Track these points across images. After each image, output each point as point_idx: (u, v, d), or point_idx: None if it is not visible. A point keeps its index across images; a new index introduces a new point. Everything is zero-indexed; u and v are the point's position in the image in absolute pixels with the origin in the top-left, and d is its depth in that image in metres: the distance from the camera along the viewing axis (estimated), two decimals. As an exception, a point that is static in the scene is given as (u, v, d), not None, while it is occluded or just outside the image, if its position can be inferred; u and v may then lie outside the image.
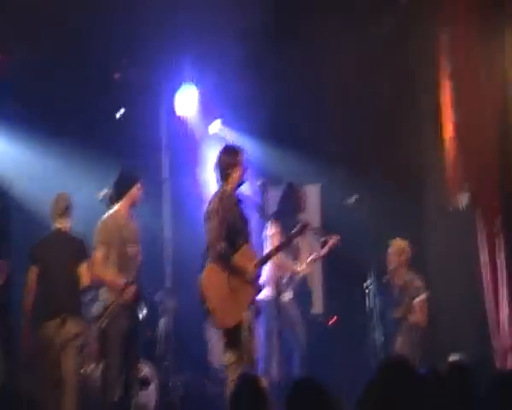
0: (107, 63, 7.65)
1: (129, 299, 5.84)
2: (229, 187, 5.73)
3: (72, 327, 6.20)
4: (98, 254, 5.91)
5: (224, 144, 6.00)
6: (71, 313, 6.21)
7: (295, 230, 6.04)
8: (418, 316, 6.80)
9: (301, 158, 8.25)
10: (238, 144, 5.98)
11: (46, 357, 6.23)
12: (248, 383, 3.31)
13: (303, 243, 7.10)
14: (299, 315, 7.00)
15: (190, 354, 7.98)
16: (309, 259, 7.20)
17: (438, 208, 7.44)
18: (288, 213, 6.82)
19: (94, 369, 6.67)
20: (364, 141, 7.89)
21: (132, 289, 5.83)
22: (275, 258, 6.18)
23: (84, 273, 6.26)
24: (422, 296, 6.84)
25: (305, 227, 6.05)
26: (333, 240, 7.17)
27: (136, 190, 6.03)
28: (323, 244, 7.38)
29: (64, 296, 6.21)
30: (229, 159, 5.72)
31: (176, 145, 8.46)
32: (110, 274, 5.91)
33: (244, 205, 5.82)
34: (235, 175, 5.71)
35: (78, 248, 6.31)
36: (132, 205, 6.05)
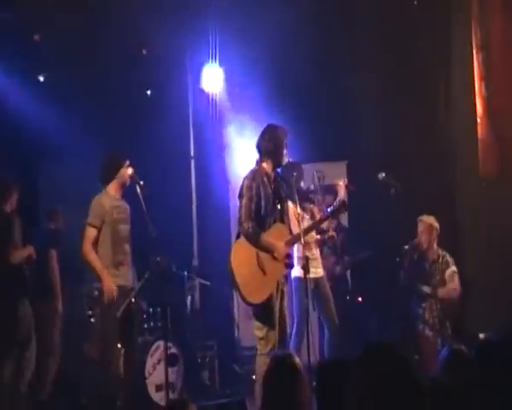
0: (136, 39, 7.66)
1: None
2: (266, 165, 5.68)
3: None
4: (90, 233, 5.93)
5: (267, 124, 5.89)
6: None
7: (332, 208, 5.99)
8: (452, 286, 6.75)
9: (328, 135, 8.18)
10: (282, 125, 5.89)
11: None
12: (282, 360, 3.26)
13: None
14: (330, 292, 6.92)
15: (218, 331, 8.00)
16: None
17: (470, 183, 7.35)
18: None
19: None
20: (394, 117, 7.82)
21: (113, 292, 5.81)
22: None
23: None
24: (453, 268, 6.79)
25: (342, 206, 5.99)
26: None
27: (124, 171, 6.03)
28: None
29: None
30: (271, 138, 5.65)
31: (202, 122, 8.42)
32: (99, 266, 5.88)
33: (280, 184, 5.79)
34: (275, 155, 5.65)
35: None
36: (123, 185, 6.06)
